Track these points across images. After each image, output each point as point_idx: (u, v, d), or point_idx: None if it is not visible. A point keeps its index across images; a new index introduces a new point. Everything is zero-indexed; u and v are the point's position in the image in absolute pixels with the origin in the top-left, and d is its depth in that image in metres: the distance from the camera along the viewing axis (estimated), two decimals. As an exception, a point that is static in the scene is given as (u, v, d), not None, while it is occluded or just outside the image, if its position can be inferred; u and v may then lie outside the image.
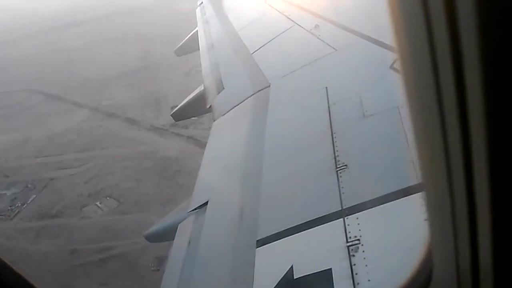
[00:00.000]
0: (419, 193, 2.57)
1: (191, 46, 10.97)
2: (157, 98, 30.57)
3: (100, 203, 20.64)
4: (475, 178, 0.72)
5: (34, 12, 69.20)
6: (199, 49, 9.10)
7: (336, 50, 5.11)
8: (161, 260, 16.45)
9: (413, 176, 2.66)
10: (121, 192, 21.12)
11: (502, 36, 0.56)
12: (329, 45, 5.27)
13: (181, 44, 12.37)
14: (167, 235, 4.43)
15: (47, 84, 37.26)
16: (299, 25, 6.44)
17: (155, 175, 21.55)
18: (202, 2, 12.44)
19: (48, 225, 20.13)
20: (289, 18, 6.94)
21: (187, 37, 11.95)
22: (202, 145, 23.11)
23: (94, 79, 36.02)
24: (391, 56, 4.02)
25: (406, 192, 2.64)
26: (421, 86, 0.74)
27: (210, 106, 6.28)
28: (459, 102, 0.65)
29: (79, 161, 24.64)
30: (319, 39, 5.59)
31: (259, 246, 3.03)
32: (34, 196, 22.63)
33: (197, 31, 10.66)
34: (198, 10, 12.15)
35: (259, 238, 3.09)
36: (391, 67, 3.93)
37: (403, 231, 2.51)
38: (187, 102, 8.17)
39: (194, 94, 7.89)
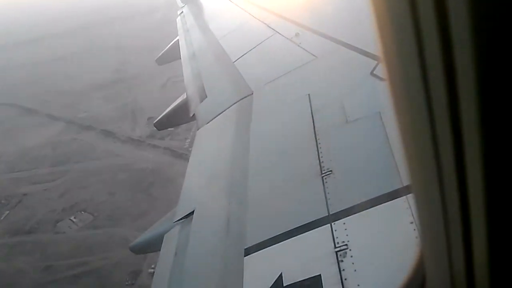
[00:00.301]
0: (405, 196, 2.62)
1: (172, 55, 10.94)
2: (133, 109, 30.62)
3: (74, 218, 20.60)
4: (468, 177, 0.69)
5: (7, 24, 67.85)
6: (180, 58, 9.08)
7: (316, 57, 5.18)
8: (135, 275, 16.70)
9: (398, 180, 2.71)
10: (95, 206, 21.06)
11: (496, 33, 0.55)
12: (309, 53, 5.34)
13: (162, 53, 12.34)
14: (153, 246, 4.36)
15: (21, 98, 36.70)
16: (280, 34, 6.50)
17: (130, 188, 21.66)
18: (182, 12, 12.44)
19: (22, 241, 19.81)
20: (269, 27, 7.00)
21: (168, 46, 11.91)
22: (178, 156, 23.61)
23: (70, 91, 35.75)
24: (371, 63, 4.11)
25: (392, 195, 2.68)
26: (408, 87, 0.72)
27: (193, 114, 6.26)
28: (450, 102, 0.63)
29: (53, 175, 24.45)
30: (300, 47, 5.66)
31: (247, 255, 3.01)
32: (7, 212, 22.29)
33: (178, 40, 10.64)
34: (178, 19, 12.13)
35: (247, 247, 3.07)
36: (371, 73, 4.00)
37: (390, 234, 2.54)
38: (170, 111, 8.12)
39: (177, 103, 7.85)
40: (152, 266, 16.81)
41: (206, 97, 6.31)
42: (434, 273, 1.10)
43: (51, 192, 22.87)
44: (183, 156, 23.50)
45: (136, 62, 39.16)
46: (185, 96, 7.26)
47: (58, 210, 21.27)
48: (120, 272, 16.74)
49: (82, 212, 20.81)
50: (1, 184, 24.41)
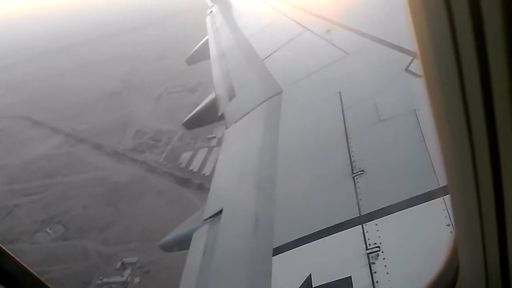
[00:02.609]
0: (439, 198, 2.50)
1: (202, 54, 11.02)
2: (125, 122, 32.62)
3: (49, 229, 22.55)
4: (503, 174, 0.70)
5: (35, 35, 71.26)
6: (209, 57, 9.13)
7: (348, 54, 5.06)
8: (84, 285, 18.37)
9: (434, 180, 2.59)
10: (69, 218, 22.97)
11: None
12: (341, 50, 5.22)
13: (192, 52, 12.44)
14: (181, 244, 4.39)
15: (34, 110, 39.62)
16: (310, 30, 6.41)
17: (102, 202, 23.42)
18: (212, 11, 12.52)
19: (3, 251, 21.76)
20: (299, 24, 6.92)
21: (198, 45, 12.02)
22: (151, 170, 25.55)
23: (77, 103, 38.26)
24: (406, 59, 3.97)
25: (427, 196, 2.57)
26: (445, 86, 0.71)
27: (222, 113, 6.26)
28: (485, 100, 0.63)
29: (42, 187, 26.51)
30: (331, 43, 5.55)
31: (276, 254, 2.98)
32: (-4, 223, 24.04)
33: (207, 39, 10.71)
34: (208, 19, 12.22)
35: (276, 246, 3.04)
36: (406, 69, 3.86)
37: (424, 237, 2.44)
38: (198, 110, 8.16)
39: (206, 102, 7.88)
40: (101, 277, 18.67)
41: (235, 96, 6.30)
42: (468, 265, 1.09)
43: (37, 204, 24.99)
44: (156, 170, 25.50)
45: (142, 71, 42.18)
46: (213, 95, 7.27)
47: (39, 221, 23.38)
48: (74, 283, 18.59)
49: (57, 224, 22.78)
50: (-2, 195, 26.48)
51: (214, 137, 26.22)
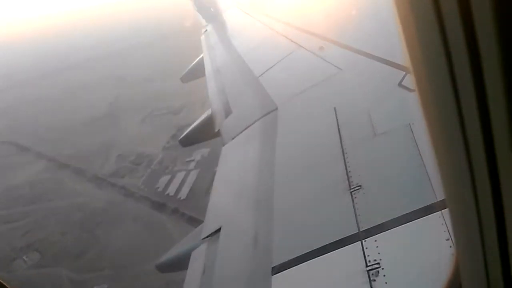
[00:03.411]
0: (438, 212, 2.50)
1: (197, 72, 11.10)
2: (109, 146, 32.60)
3: (26, 257, 22.50)
4: (502, 188, 0.69)
5: (10, 64, 71.54)
6: (205, 75, 9.20)
7: (342, 70, 5.12)
8: None
9: (432, 194, 2.59)
10: (46, 245, 23.03)
11: None
12: (335, 66, 5.29)
13: (187, 70, 12.53)
14: (179, 264, 4.34)
15: (21, 135, 39.32)
16: (304, 48, 6.49)
17: (79, 228, 23.57)
18: (206, 30, 12.68)
19: (-20, 279, 21.60)
20: (293, 41, 7.01)
21: (193, 63, 12.11)
22: (129, 194, 25.64)
23: (63, 127, 38.15)
24: (399, 74, 4.02)
25: (425, 211, 2.57)
26: (438, 99, 0.71)
27: (218, 130, 6.28)
28: (481, 113, 0.63)
29: (23, 214, 26.45)
30: (325, 60, 5.61)
31: (275, 273, 2.95)
32: (-24, 251, 23.75)
33: (202, 57, 10.81)
34: (202, 37, 12.36)
35: (275, 265, 3.01)
36: (399, 84, 3.90)
37: (425, 252, 2.42)
38: (195, 127, 8.18)
39: (202, 119, 7.91)
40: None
41: (231, 112, 6.33)
42: (470, 284, 1.08)
43: (17, 231, 24.94)
44: (134, 195, 25.68)
45: (130, 94, 42.14)
46: (209, 112, 7.30)
47: (17, 249, 23.31)
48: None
49: (34, 252, 22.83)
50: (-22, 222, 26.50)
51: (193, 160, 26.24)
